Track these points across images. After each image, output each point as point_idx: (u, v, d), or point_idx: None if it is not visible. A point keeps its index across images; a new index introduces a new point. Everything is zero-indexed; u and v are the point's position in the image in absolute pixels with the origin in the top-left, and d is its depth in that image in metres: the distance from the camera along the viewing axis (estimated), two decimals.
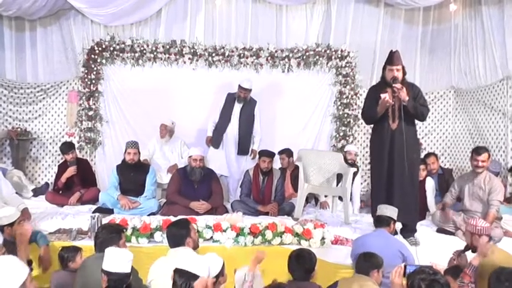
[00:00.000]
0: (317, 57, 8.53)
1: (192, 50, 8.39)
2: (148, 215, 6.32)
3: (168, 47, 8.39)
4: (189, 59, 8.40)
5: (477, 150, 6.21)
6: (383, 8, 8.70)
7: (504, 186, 7.00)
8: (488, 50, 8.02)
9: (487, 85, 8.07)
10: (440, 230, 6.28)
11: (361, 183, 8.48)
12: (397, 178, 5.67)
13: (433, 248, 5.65)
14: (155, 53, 8.38)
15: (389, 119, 5.73)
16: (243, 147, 7.88)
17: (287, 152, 7.80)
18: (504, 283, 3.53)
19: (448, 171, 7.99)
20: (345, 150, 7.89)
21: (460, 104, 8.92)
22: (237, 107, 7.81)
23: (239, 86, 7.74)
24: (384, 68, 5.84)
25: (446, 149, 9.12)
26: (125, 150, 6.96)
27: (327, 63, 8.60)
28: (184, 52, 8.37)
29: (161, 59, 8.41)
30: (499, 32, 7.78)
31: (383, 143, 5.75)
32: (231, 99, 7.84)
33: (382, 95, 5.57)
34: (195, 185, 6.78)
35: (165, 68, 8.46)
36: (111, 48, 8.37)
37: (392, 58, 5.74)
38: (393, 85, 5.59)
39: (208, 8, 8.51)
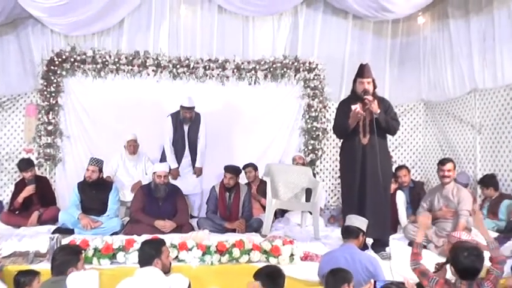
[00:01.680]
0: (284, 69, 8.58)
1: (156, 62, 8.32)
2: (111, 234, 6.21)
3: (131, 58, 8.30)
4: (153, 70, 8.33)
5: (442, 161, 6.44)
6: (351, 20, 8.81)
7: (474, 199, 7.16)
8: (455, 62, 8.23)
9: (456, 97, 8.29)
10: (413, 244, 6.31)
11: (326, 198, 8.58)
12: (370, 193, 5.72)
13: (405, 261, 5.66)
14: (118, 65, 8.28)
15: (360, 133, 5.78)
16: (194, 152, 7.85)
17: (252, 166, 7.82)
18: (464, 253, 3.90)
19: (419, 184, 8.09)
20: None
21: (430, 117, 9.10)
22: (185, 129, 7.76)
23: (182, 107, 7.61)
24: (355, 81, 5.91)
25: (417, 161, 9.27)
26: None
27: (295, 76, 8.66)
28: (148, 64, 8.29)
29: (124, 71, 8.30)
30: (465, 45, 7.99)
31: (354, 158, 5.79)
32: (176, 121, 7.73)
33: (353, 106, 5.61)
34: (159, 203, 6.71)
35: (128, 80, 8.36)
36: (72, 59, 8.23)
37: (362, 71, 5.82)
38: (364, 97, 5.64)
39: (172, 17, 8.47)
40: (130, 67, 8.30)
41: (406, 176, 7.71)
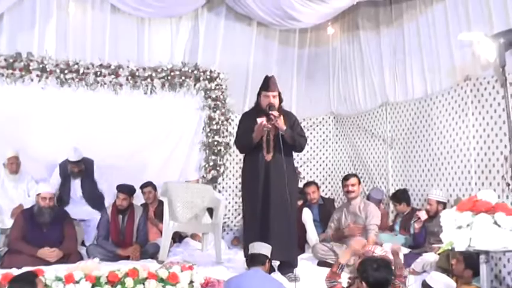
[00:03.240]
0: (183, 78, 8.53)
1: (40, 65, 7.91)
2: None
3: (11, 60, 7.82)
4: (38, 75, 7.92)
5: (345, 177, 6.84)
6: (256, 28, 8.91)
7: (386, 214, 7.57)
8: (367, 75, 8.56)
9: (367, 111, 8.62)
10: (322, 263, 6.48)
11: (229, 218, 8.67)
12: (274, 213, 5.77)
13: (315, 282, 5.75)
14: None
15: (264, 150, 5.84)
16: (96, 203, 7.68)
17: (152, 186, 7.75)
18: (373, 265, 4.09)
19: (329, 201, 8.25)
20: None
21: (340, 130, 9.37)
22: (76, 183, 7.58)
23: (68, 161, 7.47)
24: (259, 94, 5.96)
25: (327, 177, 9.49)
26: None
27: (195, 85, 8.63)
28: (31, 67, 7.87)
29: (3, 75, 7.81)
30: (376, 58, 8.33)
31: (257, 176, 5.84)
32: (65, 173, 7.55)
33: (259, 120, 5.66)
34: (43, 229, 6.49)
35: (7, 86, 7.86)
36: None
37: (268, 84, 5.88)
38: (270, 112, 5.70)
39: (60, 15, 8.15)
40: (10, 71, 7.82)
41: (314, 193, 7.85)
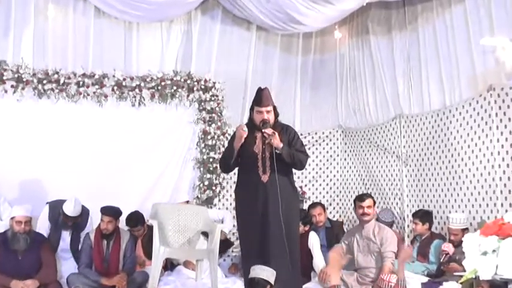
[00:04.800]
0: (175, 88, 8.54)
1: (16, 75, 7.92)
2: None
3: None
4: (12, 86, 7.92)
5: (359, 197, 6.70)
6: (255, 32, 8.95)
7: (402, 239, 7.47)
8: (378, 84, 8.58)
9: (379, 124, 8.63)
10: None
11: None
12: (273, 239, 5.70)
13: None
14: None
15: (259, 170, 5.78)
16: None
17: (141, 222, 7.61)
18: None
19: (337, 224, 8.23)
20: None
21: (348, 146, 9.35)
22: (66, 234, 7.37)
23: (64, 214, 7.20)
24: (252, 109, 5.93)
25: (335, 198, 9.47)
26: None
27: (188, 96, 8.64)
28: (5, 77, 7.88)
29: None
30: (389, 65, 8.37)
31: (254, 199, 5.77)
32: (54, 218, 7.33)
33: (239, 129, 5.68)
34: (18, 256, 6.46)
35: None
36: None
37: (260, 98, 5.82)
38: (263, 131, 5.67)
39: (38, 20, 8.15)
40: None
41: (321, 215, 7.83)
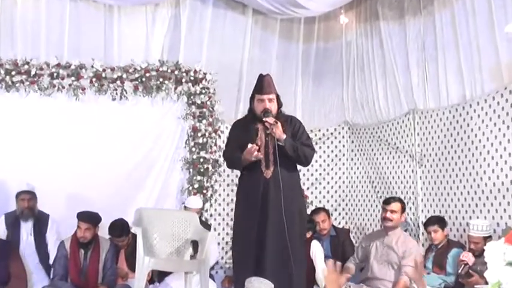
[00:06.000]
0: (161, 79, 8.52)
1: None
2: None
3: None
4: None
5: (386, 200, 6.85)
6: (251, 17, 8.95)
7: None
8: (389, 76, 8.53)
9: (390, 120, 8.59)
10: None
11: (220, 253, 8.59)
12: (271, 245, 5.67)
13: None
14: None
15: (262, 164, 5.79)
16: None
17: (126, 233, 7.52)
18: None
19: (343, 232, 8.23)
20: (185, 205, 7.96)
21: (356, 144, 9.34)
22: (26, 230, 7.40)
23: (18, 198, 7.35)
24: (252, 98, 5.94)
25: (341, 202, 9.45)
26: None
27: (175, 89, 8.62)
28: None
29: None
30: (401, 54, 8.33)
31: (253, 197, 5.77)
32: (13, 223, 7.37)
33: (249, 145, 5.64)
34: None
35: None
36: None
37: (262, 85, 5.85)
38: (264, 119, 5.69)
39: (5, 4, 8.16)
40: None
41: (325, 222, 7.84)
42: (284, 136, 5.70)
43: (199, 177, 8.56)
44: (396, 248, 6.45)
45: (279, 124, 5.69)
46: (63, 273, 6.83)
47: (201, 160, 8.59)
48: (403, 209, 6.79)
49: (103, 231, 7.41)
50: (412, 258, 6.26)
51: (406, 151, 8.23)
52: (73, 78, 8.22)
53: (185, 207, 7.98)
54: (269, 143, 5.77)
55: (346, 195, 9.43)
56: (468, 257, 6.31)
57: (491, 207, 6.90)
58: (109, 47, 8.58)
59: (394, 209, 6.62)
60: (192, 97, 8.64)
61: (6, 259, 6.61)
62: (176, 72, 8.58)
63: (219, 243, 8.74)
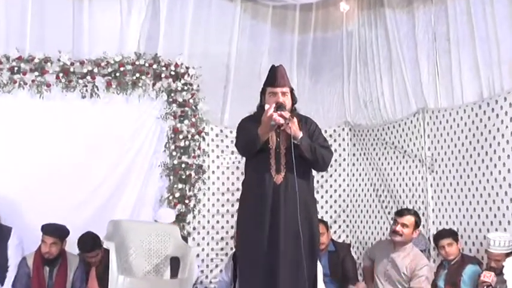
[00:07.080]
0: (138, 74, 8.46)
1: None
2: None
3: None
4: None
5: (400, 211, 7.06)
6: (240, 3, 8.93)
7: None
8: (396, 70, 8.52)
9: (396, 120, 8.57)
10: None
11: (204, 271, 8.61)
12: (284, 259, 5.46)
13: None
14: None
15: (272, 168, 5.60)
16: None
17: (98, 247, 7.46)
18: None
19: (343, 247, 8.17)
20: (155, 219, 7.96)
21: (358, 147, 9.36)
22: None
23: None
24: (263, 92, 5.79)
25: (341, 213, 9.45)
26: None
27: (154, 85, 8.59)
28: None
29: None
30: (409, 46, 8.32)
31: (263, 205, 5.54)
32: None
33: (267, 106, 5.47)
34: None
35: None
36: None
37: (275, 76, 5.70)
38: (278, 112, 5.44)
39: None
40: None
41: (323, 235, 7.64)
42: (300, 134, 5.52)
43: (180, 185, 8.51)
44: (402, 267, 6.48)
45: (295, 120, 5.54)
46: None
47: (183, 166, 8.55)
48: (417, 224, 6.79)
49: (71, 246, 7.37)
50: (422, 280, 6.35)
51: (415, 155, 8.20)
52: (36, 73, 8.17)
53: (155, 221, 7.92)
54: (280, 144, 5.59)
55: (347, 205, 9.43)
56: (491, 277, 6.28)
57: None
58: (78, 38, 8.51)
59: (405, 222, 6.64)
60: (172, 94, 8.62)
61: None
62: (155, 66, 8.54)
63: (203, 260, 8.73)
